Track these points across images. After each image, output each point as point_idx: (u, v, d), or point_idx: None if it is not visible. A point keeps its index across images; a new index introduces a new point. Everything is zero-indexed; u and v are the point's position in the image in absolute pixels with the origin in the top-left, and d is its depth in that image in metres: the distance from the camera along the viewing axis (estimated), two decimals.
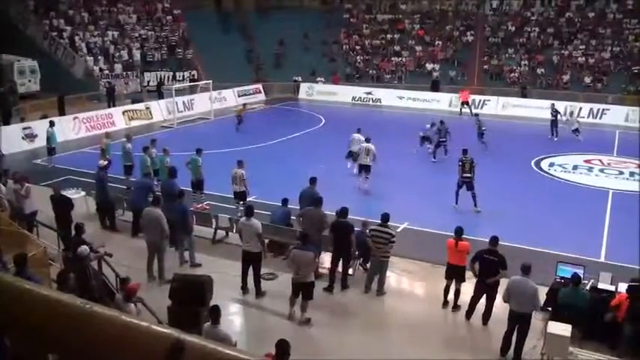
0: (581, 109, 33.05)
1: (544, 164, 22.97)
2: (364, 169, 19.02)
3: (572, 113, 27.74)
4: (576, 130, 27.03)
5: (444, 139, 22.94)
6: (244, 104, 31.92)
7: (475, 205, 16.94)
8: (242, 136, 26.50)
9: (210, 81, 34.06)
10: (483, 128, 24.65)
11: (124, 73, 38.15)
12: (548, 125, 27.67)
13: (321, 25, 47.11)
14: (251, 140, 25.36)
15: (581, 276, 10.42)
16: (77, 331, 1.27)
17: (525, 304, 9.67)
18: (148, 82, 38.84)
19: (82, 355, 1.29)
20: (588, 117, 32.67)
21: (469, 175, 16.91)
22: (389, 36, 46.36)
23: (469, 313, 11.15)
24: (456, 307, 11.54)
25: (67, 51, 36.83)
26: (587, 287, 10.72)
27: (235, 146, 23.68)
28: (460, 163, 17.16)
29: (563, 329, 9.16)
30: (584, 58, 40.18)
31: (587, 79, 38.42)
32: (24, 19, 38.15)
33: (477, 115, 28.78)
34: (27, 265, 9.09)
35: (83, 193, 16.77)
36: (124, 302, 8.70)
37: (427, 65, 42.74)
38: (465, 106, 34.79)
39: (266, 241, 12.63)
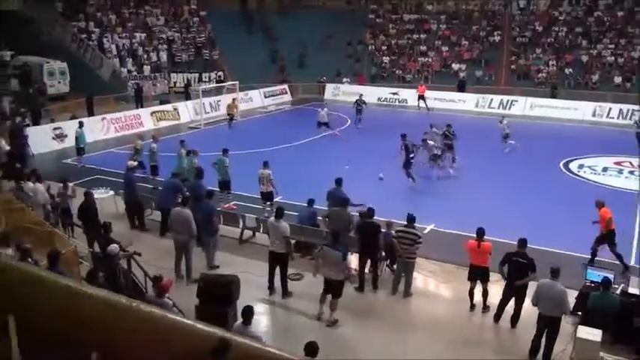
0: (610, 109, 32.67)
1: (573, 166, 22.67)
2: (324, 125, 27.62)
3: (502, 119, 26.21)
4: (506, 137, 25.06)
5: (412, 154, 20.00)
6: (233, 99, 32.16)
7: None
8: (268, 137, 26.61)
9: (237, 82, 34.29)
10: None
11: (152, 74, 38.55)
12: (578, 126, 26.88)
13: (343, 25, 46.94)
14: (278, 141, 25.45)
15: (612, 280, 10.28)
16: (124, 329, 1.30)
17: (554, 308, 9.56)
18: (175, 83, 39.16)
19: (128, 351, 1.31)
20: (618, 118, 32.24)
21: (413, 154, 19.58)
22: (415, 36, 46.18)
23: (497, 315, 11.07)
24: (486, 307, 11.45)
25: (95, 53, 37.31)
26: (618, 291, 10.57)
27: (262, 147, 23.79)
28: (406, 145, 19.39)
29: (593, 334, 9.04)
30: (613, 58, 39.56)
31: (617, 79, 37.82)
32: (53, 22, 38.69)
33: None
34: (59, 263, 9.25)
35: (112, 192, 17.00)
36: (157, 299, 8.75)
37: (453, 65, 42.48)
38: (421, 100, 36.05)
39: (292, 241, 12.65)
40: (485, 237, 11.36)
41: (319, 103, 36.64)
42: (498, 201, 17.73)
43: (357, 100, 30.81)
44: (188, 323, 1.09)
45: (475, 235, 11.40)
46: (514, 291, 10.72)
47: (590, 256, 13.39)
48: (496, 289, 11.38)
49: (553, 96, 36.35)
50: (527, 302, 10.40)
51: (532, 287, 10.17)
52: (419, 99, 36.32)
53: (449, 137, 22.04)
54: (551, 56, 41.14)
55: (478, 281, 11.48)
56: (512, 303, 10.86)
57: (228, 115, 30.90)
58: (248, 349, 1.07)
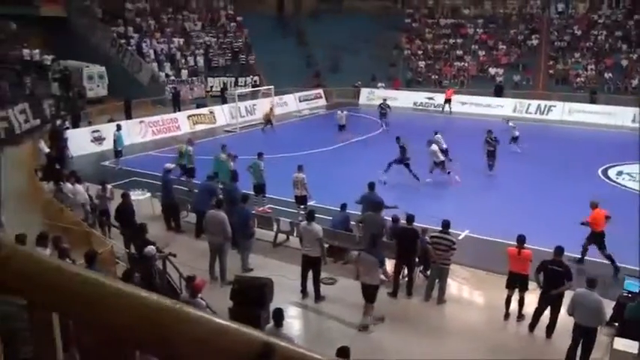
0: None
1: (612, 173, 22.22)
2: (342, 127, 28.58)
3: (508, 120, 26.18)
4: (515, 139, 24.76)
5: (408, 157, 20.05)
6: (271, 108, 32.31)
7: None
8: (303, 141, 26.74)
9: (272, 86, 34.55)
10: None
11: (190, 78, 39.05)
12: (617, 132, 26.52)
13: (379, 29, 46.85)
14: (312, 145, 25.55)
15: None
16: (164, 331, 1.34)
17: (590, 318, 9.39)
18: (211, 87, 39.62)
19: (167, 355, 1.35)
20: None
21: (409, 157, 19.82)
22: (451, 40, 45.88)
23: (532, 324, 10.91)
24: (521, 316, 11.30)
25: (134, 57, 37.97)
26: None
27: (296, 151, 23.91)
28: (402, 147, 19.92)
29: (629, 345, 8.88)
30: None
31: None
32: (93, 27, 39.49)
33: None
34: (96, 262, 9.46)
35: (149, 194, 17.28)
36: (190, 299, 8.89)
37: (490, 70, 42.08)
38: (447, 104, 36.27)
39: (326, 245, 12.69)
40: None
41: (354, 108, 36.72)
42: (534, 207, 17.49)
43: (380, 104, 30.82)
44: (229, 325, 1.10)
45: (515, 242, 11.28)
46: (550, 300, 10.56)
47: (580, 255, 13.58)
48: (531, 297, 11.22)
49: (592, 101, 35.68)
50: (563, 312, 10.23)
51: (568, 296, 10.02)
52: (445, 102, 36.42)
53: (490, 144, 21.66)
54: (590, 60, 40.48)
55: (516, 289, 11.33)
56: (547, 312, 10.71)
57: (265, 121, 30.99)
58: (291, 352, 1.09)
